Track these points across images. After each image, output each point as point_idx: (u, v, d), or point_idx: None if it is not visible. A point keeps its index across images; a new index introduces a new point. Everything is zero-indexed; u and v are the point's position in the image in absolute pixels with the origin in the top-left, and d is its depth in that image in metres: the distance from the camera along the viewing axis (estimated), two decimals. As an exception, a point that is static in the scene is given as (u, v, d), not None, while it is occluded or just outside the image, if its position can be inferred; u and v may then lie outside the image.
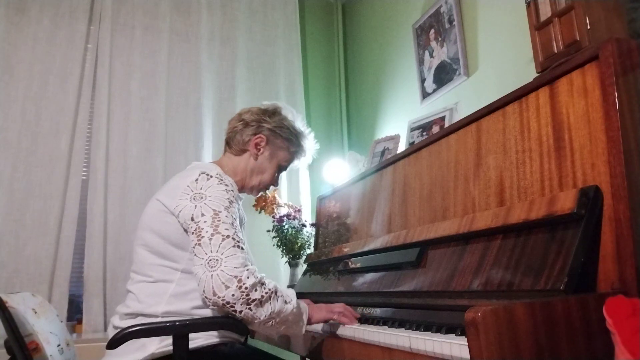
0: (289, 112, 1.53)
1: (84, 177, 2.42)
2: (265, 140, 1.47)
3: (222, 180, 1.27)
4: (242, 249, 1.16)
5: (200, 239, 1.14)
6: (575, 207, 0.91)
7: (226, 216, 1.18)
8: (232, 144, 1.49)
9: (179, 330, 1.11)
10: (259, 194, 1.58)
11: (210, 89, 2.75)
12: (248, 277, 1.10)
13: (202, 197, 1.21)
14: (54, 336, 1.40)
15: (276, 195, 2.63)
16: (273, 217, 2.48)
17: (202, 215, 1.17)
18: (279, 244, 2.41)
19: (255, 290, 1.11)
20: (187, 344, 1.12)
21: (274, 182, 1.55)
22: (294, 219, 2.43)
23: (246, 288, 1.09)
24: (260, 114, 1.49)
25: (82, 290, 2.32)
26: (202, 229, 1.15)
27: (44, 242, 2.26)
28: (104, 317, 2.30)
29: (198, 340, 1.21)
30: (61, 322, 1.52)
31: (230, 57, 2.84)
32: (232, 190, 1.27)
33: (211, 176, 1.26)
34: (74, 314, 2.37)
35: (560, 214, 0.94)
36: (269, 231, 2.46)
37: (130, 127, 2.52)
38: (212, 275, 1.09)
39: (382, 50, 2.80)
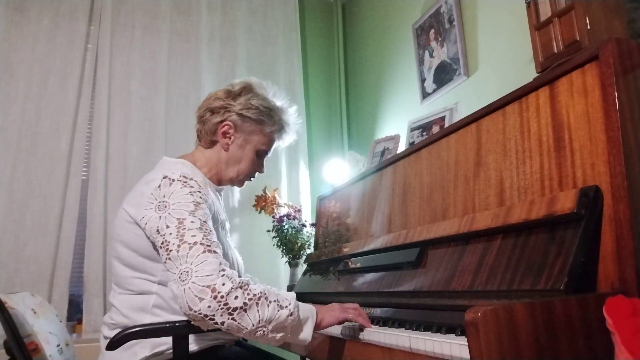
0: (260, 88, 1.37)
1: (84, 177, 2.42)
2: (233, 126, 1.32)
3: (185, 182, 1.16)
4: (215, 252, 1.06)
5: (169, 253, 1.06)
6: (575, 207, 0.91)
7: (192, 222, 1.09)
8: (200, 135, 1.36)
9: (179, 331, 1.11)
10: (244, 184, 1.43)
11: (210, 89, 2.72)
12: (223, 284, 1.00)
13: (165, 206, 1.12)
14: (54, 336, 1.40)
15: (276, 195, 2.63)
16: (273, 217, 2.49)
17: (167, 227, 1.08)
18: (279, 244, 2.42)
19: (236, 297, 1.00)
20: (187, 345, 1.12)
21: (258, 168, 1.41)
22: (294, 219, 2.43)
23: (222, 297, 0.99)
24: (225, 97, 1.33)
25: (82, 290, 2.32)
26: (169, 242, 1.06)
27: (44, 242, 2.26)
28: (103, 317, 2.30)
29: (196, 342, 1.19)
30: (60, 322, 1.52)
31: (230, 57, 2.84)
32: (199, 191, 1.17)
33: (173, 180, 1.16)
34: (74, 314, 2.37)
35: (560, 214, 0.94)
36: (269, 231, 2.46)
37: (130, 127, 2.52)
38: (184, 289, 0.99)
39: (382, 50, 2.80)
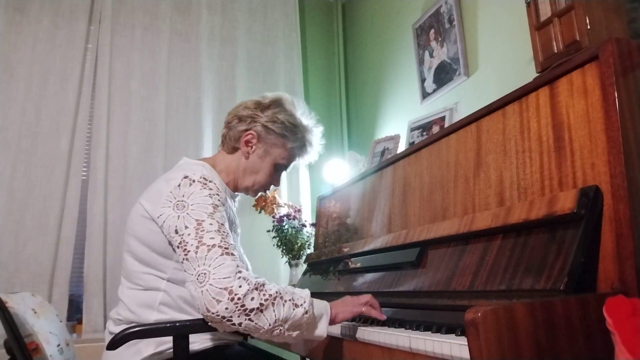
0: (289, 104, 1.39)
1: (84, 177, 2.42)
2: (256, 137, 1.35)
3: (205, 184, 1.18)
4: (232, 254, 1.08)
5: (187, 254, 1.08)
6: (575, 207, 0.91)
7: (210, 224, 1.11)
8: (224, 140, 1.40)
9: (180, 330, 1.11)
10: (258, 195, 1.44)
11: (210, 89, 2.75)
12: (240, 286, 1.02)
13: (184, 206, 1.13)
14: (54, 336, 1.40)
15: (276, 195, 2.63)
16: (273, 217, 2.48)
17: (186, 227, 1.10)
18: (279, 244, 2.41)
19: (252, 299, 1.02)
20: (188, 345, 1.12)
21: (274, 181, 1.44)
22: (294, 219, 2.43)
23: (239, 299, 1.01)
24: (254, 107, 1.37)
25: (82, 290, 2.33)
26: (187, 242, 1.08)
27: (44, 242, 2.26)
28: (103, 317, 2.30)
29: (196, 343, 1.19)
30: (61, 322, 1.52)
31: (230, 57, 2.85)
32: (218, 194, 1.19)
33: (194, 181, 1.17)
34: (74, 314, 2.38)
35: (560, 214, 0.94)
36: (269, 231, 2.46)
37: (130, 127, 2.53)
38: (202, 291, 1.01)
39: (382, 50, 2.80)
